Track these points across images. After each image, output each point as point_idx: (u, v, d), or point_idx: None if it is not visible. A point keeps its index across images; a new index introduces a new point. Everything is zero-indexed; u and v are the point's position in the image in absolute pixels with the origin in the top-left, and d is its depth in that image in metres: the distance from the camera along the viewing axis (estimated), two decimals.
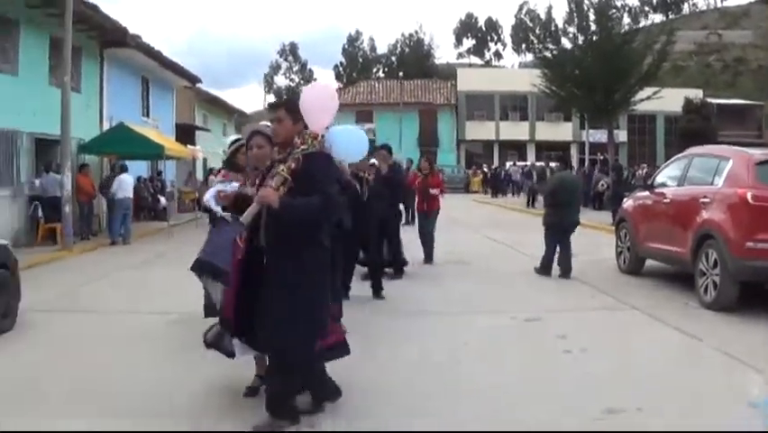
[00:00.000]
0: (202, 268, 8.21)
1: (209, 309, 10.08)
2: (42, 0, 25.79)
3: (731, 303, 13.47)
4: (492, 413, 8.07)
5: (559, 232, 17.64)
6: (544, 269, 17.78)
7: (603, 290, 15.97)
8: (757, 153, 14.60)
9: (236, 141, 10.90)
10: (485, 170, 78.64)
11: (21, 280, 13.43)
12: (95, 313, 13.50)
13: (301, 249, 7.49)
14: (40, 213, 26.60)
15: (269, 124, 8.52)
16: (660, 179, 17.82)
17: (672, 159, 18.57)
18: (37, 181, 26.99)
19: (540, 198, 38.74)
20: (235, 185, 10.46)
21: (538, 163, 60.25)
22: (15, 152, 25.90)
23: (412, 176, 22.43)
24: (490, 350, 11.10)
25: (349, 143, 8.49)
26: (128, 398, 8.50)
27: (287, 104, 7.91)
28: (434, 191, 20.19)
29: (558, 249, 17.71)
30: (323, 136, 7.82)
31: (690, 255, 14.73)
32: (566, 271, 17.59)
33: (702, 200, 14.66)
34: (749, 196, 13.40)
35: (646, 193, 17.86)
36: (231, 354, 8.47)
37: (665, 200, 16.60)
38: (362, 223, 14.03)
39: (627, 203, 19.27)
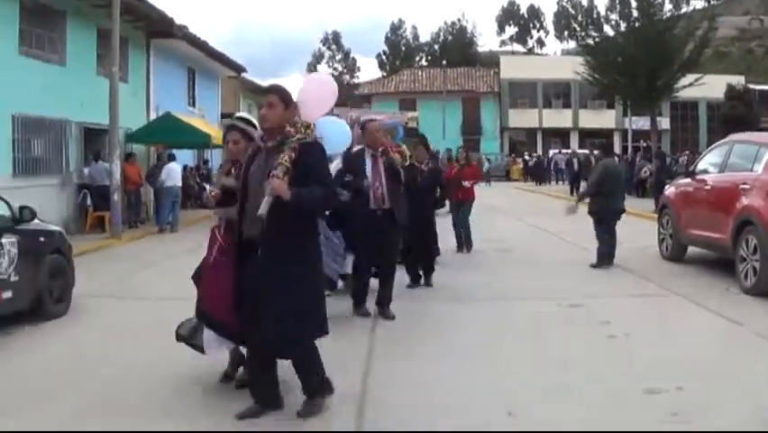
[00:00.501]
0: None
1: None
2: None
3: None
4: (535, 395, 8.27)
5: (606, 220, 17.59)
6: (602, 261, 17.49)
7: (646, 277, 16.06)
8: None
9: None
10: (525, 158, 78.60)
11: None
12: (145, 300, 13.75)
13: (305, 239, 7.54)
14: (88, 201, 26.99)
15: (243, 115, 8.87)
16: (701, 166, 17.85)
17: (713, 146, 18.61)
18: (86, 170, 27.34)
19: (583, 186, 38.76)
20: None
21: (581, 151, 59.84)
22: (64, 141, 26.27)
23: (448, 166, 22.43)
24: (535, 335, 11.29)
25: (333, 135, 8.83)
26: (176, 381, 8.80)
27: (279, 90, 7.76)
28: (465, 183, 20.13)
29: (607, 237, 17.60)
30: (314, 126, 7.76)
31: (730, 241, 14.80)
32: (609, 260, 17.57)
33: (742, 187, 14.72)
34: None
35: (688, 180, 17.89)
36: (202, 350, 8.50)
37: (706, 187, 16.64)
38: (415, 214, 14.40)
39: (669, 190, 19.27)
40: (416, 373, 9.21)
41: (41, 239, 12.75)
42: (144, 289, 14.37)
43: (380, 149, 12.10)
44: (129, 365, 9.48)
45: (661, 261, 18.33)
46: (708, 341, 10.84)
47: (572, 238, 22.39)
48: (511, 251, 20.58)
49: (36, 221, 12.51)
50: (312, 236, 7.70)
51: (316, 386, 7.67)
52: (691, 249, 17.94)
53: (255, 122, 8.60)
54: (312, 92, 7.90)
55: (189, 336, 8.56)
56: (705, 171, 17.26)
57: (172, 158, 29.13)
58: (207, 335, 8.30)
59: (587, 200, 18.14)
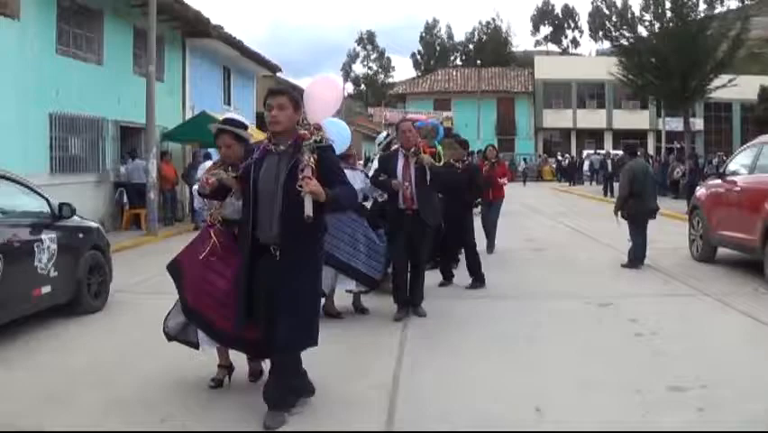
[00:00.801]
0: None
1: None
2: None
3: None
4: (561, 391, 8.43)
5: (638, 221, 17.60)
6: (634, 261, 17.53)
7: (675, 277, 16.14)
8: None
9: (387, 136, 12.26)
10: (558, 158, 78.67)
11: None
12: None
13: (317, 245, 7.61)
14: (125, 199, 27.29)
15: (233, 117, 8.78)
16: (731, 167, 17.93)
17: (743, 147, 18.69)
18: (122, 168, 27.65)
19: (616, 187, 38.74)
20: None
21: (615, 152, 59.74)
22: (101, 140, 26.55)
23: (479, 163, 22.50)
24: (563, 332, 11.44)
25: (335, 136, 8.92)
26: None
27: (289, 92, 7.58)
28: (503, 181, 20.25)
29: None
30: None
31: (759, 242, 14.89)
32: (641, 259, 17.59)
33: None
34: None
35: (718, 181, 17.99)
36: (196, 346, 8.61)
37: (736, 188, 16.72)
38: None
39: (700, 191, 19.32)
40: (446, 366, 9.40)
41: (80, 235, 13.01)
42: None
43: (412, 149, 12.08)
44: (167, 358, 9.67)
45: (691, 261, 18.38)
46: (735, 340, 10.92)
47: (605, 238, 22.50)
48: (543, 250, 20.69)
49: (75, 218, 12.75)
50: (321, 244, 7.79)
51: (293, 391, 7.70)
52: (722, 250, 17.98)
53: (246, 122, 8.74)
54: (318, 93, 7.83)
55: (180, 334, 8.70)
56: (735, 173, 17.34)
57: (208, 157, 29.33)
58: (201, 332, 8.46)
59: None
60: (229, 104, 39.87)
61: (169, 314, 8.79)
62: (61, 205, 12.24)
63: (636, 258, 17.46)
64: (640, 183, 17.49)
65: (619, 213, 17.82)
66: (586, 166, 69.21)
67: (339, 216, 11.33)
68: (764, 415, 7.60)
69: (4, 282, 10.22)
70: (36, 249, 11.35)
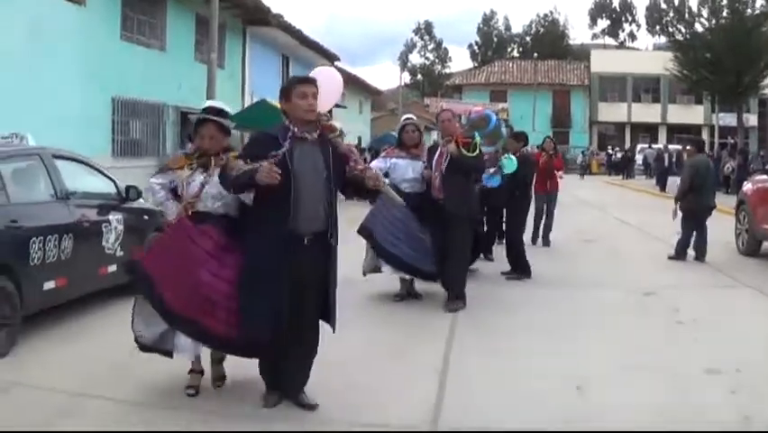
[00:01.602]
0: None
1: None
2: None
3: None
4: (602, 372, 8.88)
5: (695, 217, 17.68)
6: (679, 254, 17.69)
7: (720, 270, 16.43)
8: None
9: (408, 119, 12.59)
10: (609, 151, 78.71)
11: None
12: None
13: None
14: None
15: (215, 105, 8.83)
16: None
17: None
18: (180, 152, 28.12)
19: (671, 182, 38.78)
20: (394, 160, 12.22)
21: (672, 147, 59.43)
22: (161, 124, 27.11)
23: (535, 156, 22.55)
24: (607, 319, 11.87)
25: None
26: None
27: (316, 80, 7.48)
28: (560, 174, 20.41)
29: (694, 233, 17.68)
30: None
31: None
32: (701, 255, 17.59)
33: None
34: None
35: (764, 177, 18.30)
36: (170, 354, 7.95)
37: None
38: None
39: (747, 186, 19.66)
40: (492, 348, 9.85)
41: (145, 217, 13.40)
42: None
43: (446, 138, 12.27)
44: None
45: (737, 255, 18.67)
46: None
47: (654, 231, 22.88)
48: (592, 242, 20.97)
49: (141, 200, 13.21)
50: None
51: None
52: (767, 244, 18.30)
53: (228, 109, 8.61)
54: (326, 83, 7.83)
55: (158, 343, 7.95)
56: None
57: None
58: (182, 339, 7.71)
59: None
60: None
61: (134, 321, 8.04)
62: (128, 187, 12.68)
63: (679, 251, 17.66)
64: (701, 178, 17.64)
65: (678, 205, 17.90)
66: (639, 160, 68.95)
67: (395, 213, 11.96)
68: None
69: (73, 260, 10.72)
70: (104, 229, 11.84)
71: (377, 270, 12.73)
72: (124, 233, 12.34)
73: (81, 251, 11.01)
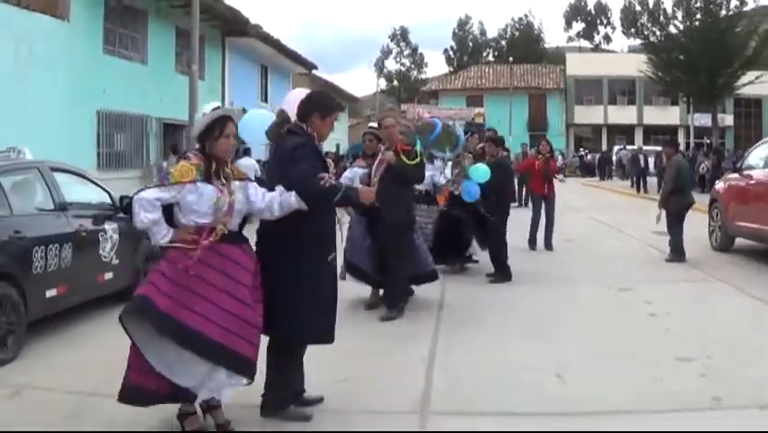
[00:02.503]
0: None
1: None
2: None
3: None
4: (580, 361, 9.47)
5: (680, 214, 17.89)
6: (677, 254, 17.66)
7: (694, 266, 16.89)
8: None
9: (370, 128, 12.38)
10: (581, 153, 79.46)
11: None
12: None
13: None
14: None
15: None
16: (748, 161, 18.78)
17: (760, 142, 19.54)
18: (164, 163, 28.51)
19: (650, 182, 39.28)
20: (356, 170, 11.80)
21: (648, 148, 59.75)
22: (144, 136, 27.58)
23: (530, 159, 22.65)
24: (584, 313, 12.43)
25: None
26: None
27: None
28: (560, 177, 20.45)
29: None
30: None
31: None
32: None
33: None
34: None
35: (735, 175, 18.85)
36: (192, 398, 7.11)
37: (752, 181, 17.61)
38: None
39: (719, 185, 20.21)
40: (476, 342, 10.33)
41: None
42: None
43: (386, 145, 11.97)
44: None
45: (710, 251, 19.17)
46: (743, 320, 11.86)
47: (630, 231, 23.65)
48: (571, 241, 21.32)
49: None
50: None
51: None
52: (739, 240, 18.81)
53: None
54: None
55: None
56: (751, 167, 18.15)
57: (247, 153, 30.08)
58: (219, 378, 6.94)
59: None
60: (266, 100, 40.76)
61: (129, 378, 7.18)
62: (122, 198, 13.11)
63: (679, 250, 17.69)
64: (683, 178, 18.04)
65: (661, 209, 18.10)
66: (615, 161, 69.60)
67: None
68: (757, 381, 8.53)
69: (73, 268, 11.18)
70: (101, 238, 12.28)
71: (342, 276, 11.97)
72: (119, 241, 12.78)
73: (80, 259, 11.43)
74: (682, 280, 15.40)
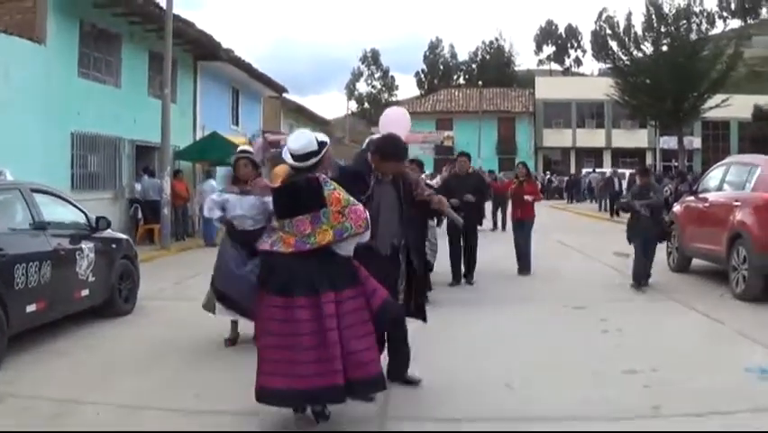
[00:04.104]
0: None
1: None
2: (143, 17, 27.81)
3: (757, 294, 15.14)
4: (531, 372, 10.04)
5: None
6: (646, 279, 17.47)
7: (650, 286, 17.29)
8: None
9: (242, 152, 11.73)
10: (548, 177, 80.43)
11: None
12: (198, 301, 14.82)
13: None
14: (139, 214, 28.72)
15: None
16: (703, 184, 19.45)
17: (714, 166, 20.16)
18: (137, 185, 28.98)
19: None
20: (226, 196, 11.43)
21: (621, 171, 59.97)
22: (118, 158, 27.94)
23: (507, 183, 22.89)
24: (539, 328, 13.07)
25: None
26: (231, 365, 10.43)
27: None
28: (527, 198, 20.50)
29: (637, 255, 17.44)
30: None
31: (725, 253, 16.40)
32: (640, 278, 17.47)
33: (735, 203, 16.36)
34: None
35: (691, 198, 19.45)
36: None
37: (706, 204, 18.25)
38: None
39: (676, 207, 20.71)
40: (432, 360, 10.58)
41: (113, 245, 14.49)
42: (198, 292, 14.86)
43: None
44: (194, 352, 11.30)
45: (668, 272, 19.62)
46: (690, 336, 12.50)
47: (592, 252, 24.35)
48: (533, 261, 21.73)
49: (108, 230, 14.23)
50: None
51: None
52: (696, 261, 19.37)
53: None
54: (393, 123, 9.42)
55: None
56: (706, 190, 18.80)
57: (210, 175, 30.45)
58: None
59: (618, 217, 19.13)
60: (237, 124, 41.07)
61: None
62: (98, 218, 13.69)
63: (648, 274, 17.46)
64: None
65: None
66: (585, 184, 70.24)
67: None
68: (698, 392, 9.11)
69: (51, 284, 11.68)
70: (78, 256, 12.78)
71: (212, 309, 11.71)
72: (95, 260, 13.28)
73: (58, 276, 11.93)
74: (638, 300, 15.93)
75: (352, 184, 8.36)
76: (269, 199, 9.64)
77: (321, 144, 8.14)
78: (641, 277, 17.11)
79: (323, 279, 7.63)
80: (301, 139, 8.10)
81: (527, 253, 20.24)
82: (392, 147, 9.02)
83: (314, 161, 8.04)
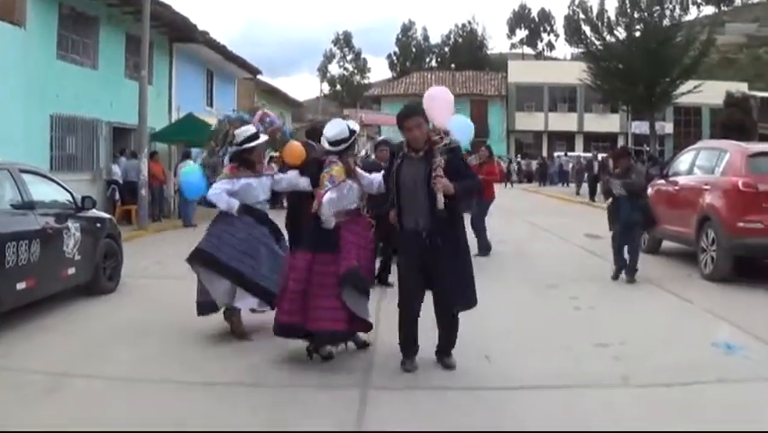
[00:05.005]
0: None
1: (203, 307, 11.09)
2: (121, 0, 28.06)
3: (726, 275, 15.66)
4: (507, 346, 10.54)
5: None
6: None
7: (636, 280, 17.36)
8: (751, 147, 16.89)
9: (252, 136, 11.01)
10: (518, 160, 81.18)
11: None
12: (181, 279, 14.85)
13: (460, 227, 9.60)
14: (116, 196, 28.94)
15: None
16: (674, 168, 19.89)
17: (684, 150, 20.58)
18: (114, 166, 29.15)
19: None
20: (242, 183, 11.01)
21: (588, 154, 60.09)
22: (95, 140, 28.17)
23: (475, 165, 22.91)
24: (513, 306, 13.53)
25: (459, 132, 9.68)
26: (211, 338, 10.99)
27: (421, 110, 9.22)
28: (482, 176, 20.52)
29: (615, 243, 16.89)
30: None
31: (694, 235, 16.91)
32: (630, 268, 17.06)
33: (704, 187, 16.83)
34: (740, 183, 15.57)
35: (662, 181, 19.88)
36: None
37: (676, 187, 18.73)
38: None
39: (648, 190, 20.99)
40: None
41: (98, 225, 14.81)
42: (178, 270, 14.77)
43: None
44: (179, 326, 11.64)
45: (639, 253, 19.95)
46: (659, 313, 13.02)
47: (563, 233, 24.96)
48: (505, 242, 21.96)
49: (93, 210, 14.54)
50: (462, 226, 9.62)
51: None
52: (666, 243, 19.91)
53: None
54: (438, 101, 9.48)
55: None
56: (676, 173, 19.21)
57: (187, 156, 30.53)
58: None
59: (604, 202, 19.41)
60: (211, 105, 41.02)
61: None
62: (84, 198, 13.99)
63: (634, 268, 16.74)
64: None
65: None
66: (555, 168, 70.76)
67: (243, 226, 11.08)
68: (665, 364, 9.59)
69: (40, 263, 11.98)
70: (65, 235, 13.09)
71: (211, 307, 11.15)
72: (81, 239, 13.61)
73: (47, 255, 12.23)
74: (609, 280, 16.32)
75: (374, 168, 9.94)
76: (278, 175, 11.28)
77: (352, 132, 9.67)
78: (623, 267, 16.33)
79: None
80: (336, 127, 9.65)
81: (482, 230, 20.34)
82: (401, 113, 9.33)
83: (344, 146, 9.58)
